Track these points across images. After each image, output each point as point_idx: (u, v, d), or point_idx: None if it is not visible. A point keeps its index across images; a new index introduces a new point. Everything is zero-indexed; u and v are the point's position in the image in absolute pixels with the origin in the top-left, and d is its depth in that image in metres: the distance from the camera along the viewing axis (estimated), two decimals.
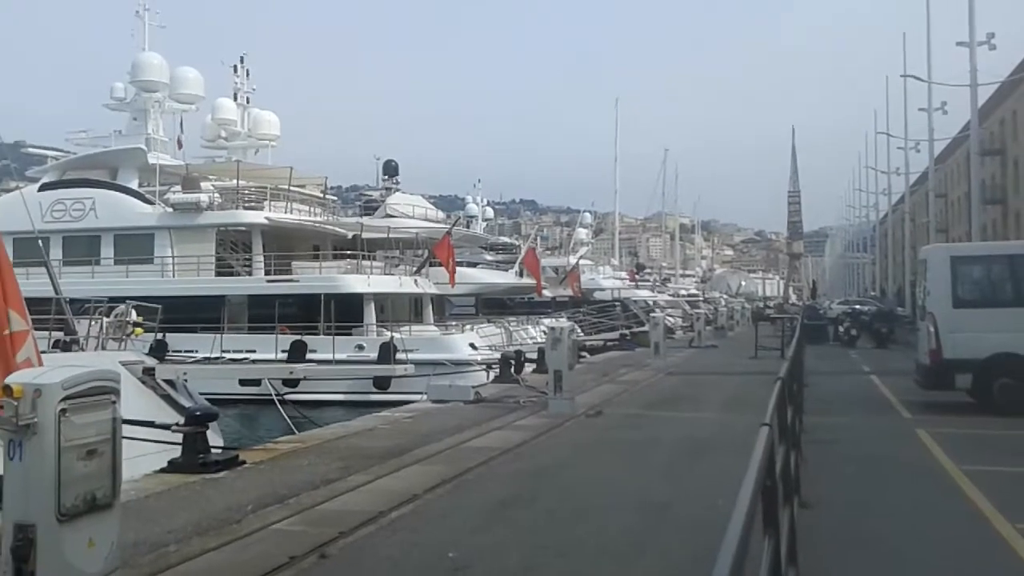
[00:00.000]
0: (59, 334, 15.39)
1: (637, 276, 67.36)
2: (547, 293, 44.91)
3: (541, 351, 20.30)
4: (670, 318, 41.84)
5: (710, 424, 13.17)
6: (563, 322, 21.05)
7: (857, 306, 46.90)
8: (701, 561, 6.04)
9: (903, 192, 57.49)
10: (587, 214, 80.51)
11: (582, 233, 72.28)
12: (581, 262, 53.17)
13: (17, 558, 4.33)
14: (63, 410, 4.44)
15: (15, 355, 10.36)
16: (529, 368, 20.85)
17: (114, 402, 4.77)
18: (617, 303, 47.54)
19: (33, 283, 19.15)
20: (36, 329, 15.15)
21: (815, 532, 6.39)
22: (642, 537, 6.92)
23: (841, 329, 35.38)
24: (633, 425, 13.42)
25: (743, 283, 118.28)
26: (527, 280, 42.28)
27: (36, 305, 14.99)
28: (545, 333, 23.49)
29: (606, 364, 25.11)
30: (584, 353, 26.05)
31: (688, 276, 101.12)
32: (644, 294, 56.90)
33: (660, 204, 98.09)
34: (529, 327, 35.11)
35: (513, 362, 20.08)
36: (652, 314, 34.64)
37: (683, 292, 73.23)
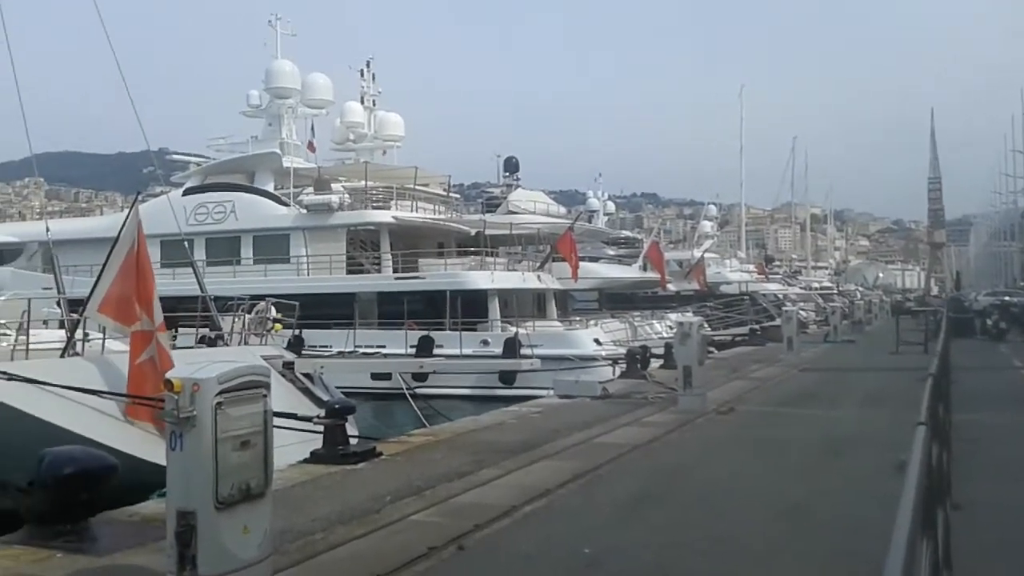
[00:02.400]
0: (205, 330, 16.26)
1: (766, 269, 65.56)
2: (671, 287, 44.32)
3: (668, 346, 20.00)
4: (803, 312, 40.49)
5: (848, 422, 12.67)
6: (691, 317, 20.70)
7: (1006, 297, 44.30)
8: (841, 563, 5.84)
9: None
10: (711, 206, 78.65)
11: (707, 225, 70.87)
12: (706, 255, 52.18)
13: (180, 543, 4.61)
14: (219, 403, 4.68)
15: (139, 354, 10.97)
16: (655, 364, 20.56)
17: (265, 395, 5.00)
18: (745, 297, 46.36)
19: (180, 283, 20.32)
20: (183, 326, 16.06)
21: (966, 535, 6.05)
22: (780, 538, 6.72)
23: (989, 322, 33.53)
24: (767, 422, 13.06)
25: (880, 275, 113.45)
26: (651, 274, 41.84)
27: (184, 303, 16.00)
28: (671, 328, 23.18)
29: (736, 360, 24.50)
30: (712, 348, 25.50)
31: (820, 268, 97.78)
32: (774, 287, 55.38)
33: (789, 194, 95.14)
34: (654, 322, 34.63)
35: (639, 358, 19.83)
36: (784, 308, 33.65)
37: (815, 285, 70.84)
